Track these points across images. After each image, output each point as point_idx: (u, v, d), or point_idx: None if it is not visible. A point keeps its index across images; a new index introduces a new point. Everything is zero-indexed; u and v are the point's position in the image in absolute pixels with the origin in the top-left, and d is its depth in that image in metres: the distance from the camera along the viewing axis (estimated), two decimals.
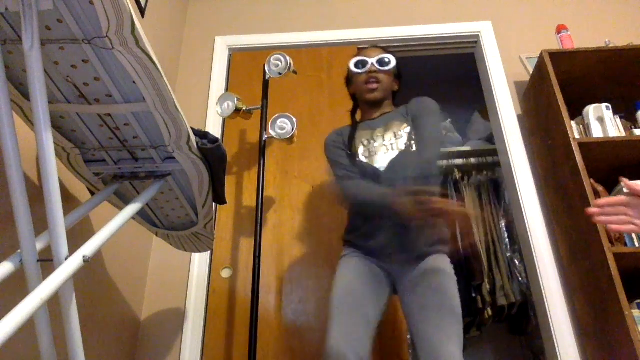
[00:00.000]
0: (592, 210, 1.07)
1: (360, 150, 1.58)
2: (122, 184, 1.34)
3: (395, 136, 1.57)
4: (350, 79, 1.74)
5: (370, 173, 1.52)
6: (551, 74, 2.03)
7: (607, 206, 1.08)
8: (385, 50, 1.70)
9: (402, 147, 1.53)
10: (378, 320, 1.39)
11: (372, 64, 1.63)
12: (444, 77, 3.68)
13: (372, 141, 1.59)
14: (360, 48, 1.73)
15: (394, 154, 1.53)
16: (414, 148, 1.52)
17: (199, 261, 2.15)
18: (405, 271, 1.46)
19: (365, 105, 1.69)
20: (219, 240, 2.17)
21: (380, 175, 1.51)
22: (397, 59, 1.67)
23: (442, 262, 1.44)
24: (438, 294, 1.35)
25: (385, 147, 1.56)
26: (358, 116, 1.76)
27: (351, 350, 1.26)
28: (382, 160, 1.53)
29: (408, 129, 1.57)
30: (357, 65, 1.65)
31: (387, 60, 1.63)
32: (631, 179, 1.85)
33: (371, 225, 1.50)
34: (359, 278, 1.44)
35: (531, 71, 2.29)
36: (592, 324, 1.77)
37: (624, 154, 1.94)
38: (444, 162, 2.97)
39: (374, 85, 1.62)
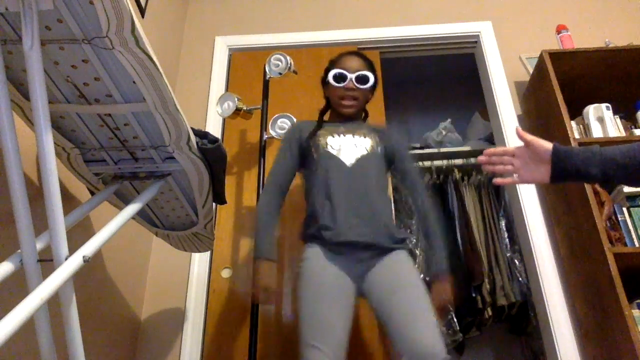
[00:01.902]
0: (480, 158, 1.15)
1: (329, 140, 1.58)
2: (122, 184, 1.34)
3: (363, 136, 1.59)
4: (326, 82, 1.69)
5: (334, 165, 1.52)
6: (551, 74, 2.03)
7: (494, 155, 1.14)
8: (366, 61, 1.66)
9: (368, 149, 1.56)
10: (349, 324, 1.36)
11: (351, 79, 1.60)
12: (444, 77, 3.68)
13: (340, 135, 1.59)
14: (343, 53, 1.69)
15: (360, 152, 1.55)
16: (379, 152, 1.59)
17: (199, 261, 2.15)
18: (369, 264, 1.44)
19: (338, 114, 1.69)
20: (219, 240, 2.17)
21: (346, 170, 1.51)
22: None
23: (405, 257, 1.46)
24: (408, 284, 1.37)
25: (352, 145, 1.56)
26: (326, 116, 1.76)
27: (329, 353, 1.25)
28: (348, 156, 1.54)
29: (374, 140, 1.60)
30: (335, 78, 1.62)
31: (366, 77, 1.61)
32: None
33: (334, 207, 1.46)
34: (326, 286, 1.38)
35: (531, 71, 2.29)
36: (592, 324, 1.77)
37: None
38: (444, 162, 2.97)
39: (350, 102, 1.62)
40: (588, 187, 1.76)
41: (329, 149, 1.56)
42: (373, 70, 1.65)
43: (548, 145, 1.08)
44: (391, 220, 1.55)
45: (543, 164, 1.07)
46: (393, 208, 2.22)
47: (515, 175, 1.12)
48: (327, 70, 1.69)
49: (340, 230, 1.42)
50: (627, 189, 1.82)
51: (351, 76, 1.60)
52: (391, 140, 1.64)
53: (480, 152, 3.40)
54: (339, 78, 1.61)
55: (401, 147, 1.65)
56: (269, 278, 1.41)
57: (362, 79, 1.61)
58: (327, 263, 1.42)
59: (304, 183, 1.67)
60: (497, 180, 1.13)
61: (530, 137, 1.11)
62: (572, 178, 1.04)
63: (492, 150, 1.15)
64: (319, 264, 1.43)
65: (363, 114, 1.76)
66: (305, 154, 1.63)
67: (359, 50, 2.61)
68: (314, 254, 1.45)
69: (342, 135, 1.60)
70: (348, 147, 1.56)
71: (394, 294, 1.34)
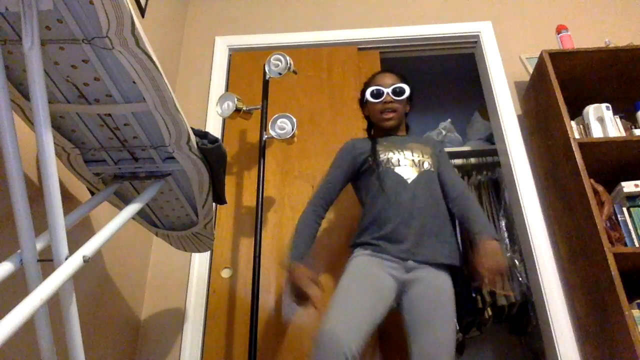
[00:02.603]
0: None
1: (391, 156, 1.66)
2: (122, 184, 1.34)
3: (422, 155, 1.68)
4: (364, 102, 1.82)
5: (395, 182, 1.59)
6: (551, 74, 2.03)
7: None
8: (400, 75, 1.79)
9: (427, 167, 1.66)
10: (376, 324, 1.39)
11: (388, 93, 1.73)
12: (444, 77, 3.68)
13: (402, 152, 1.67)
14: (377, 72, 1.83)
15: (419, 169, 1.64)
16: (434, 170, 1.68)
17: (199, 261, 2.15)
18: (417, 276, 1.48)
19: (381, 129, 1.80)
20: (219, 240, 2.17)
21: (407, 186, 1.58)
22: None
23: (448, 284, 1.51)
24: (443, 317, 1.42)
25: (412, 162, 1.65)
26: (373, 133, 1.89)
27: (345, 338, 1.26)
28: (408, 173, 1.62)
29: (431, 155, 1.70)
30: (372, 94, 1.75)
31: (402, 89, 1.74)
32: (631, 179, 1.86)
33: (392, 220, 1.53)
34: (368, 278, 1.45)
35: (531, 71, 2.29)
36: (592, 324, 1.77)
37: (624, 154, 1.94)
38: None
39: (390, 115, 1.74)
40: (588, 187, 1.76)
41: (391, 165, 1.64)
42: (407, 82, 1.77)
43: None
44: (451, 237, 1.60)
45: None
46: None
47: None
48: (363, 92, 1.83)
49: (402, 247, 1.49)
50: (627, 189, 1.82)
51: (387, 90, 1.73)
52: (437, 149, 1.77)
53: (480, 152, 3.41)
54: (377, 95, 1.74)
55: (444, 156, 1.77)
56: (300, 280, 1.44)
57: (399, 92, 1.74)
58: (376, 261, 1.50)
59: (360, 196, 1.75)
60: None
61: None
62: None
63: None
64: (368, 260, 1.50)
65: (405, 126, 1.88)
66: (362, 169, 1.71)
67: (361, 50, 2.62)
68: (365, 255, 1.53)
69: (402, 152, 1.68)
70: (407, 163, 1.65)
71: (427, 322, 1.40)
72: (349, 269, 1.51)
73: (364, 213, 1.66)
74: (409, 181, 1.59)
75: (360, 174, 1.72)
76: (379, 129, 1.81)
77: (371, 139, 1.79)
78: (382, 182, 1.61)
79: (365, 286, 1.42)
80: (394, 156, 1.66)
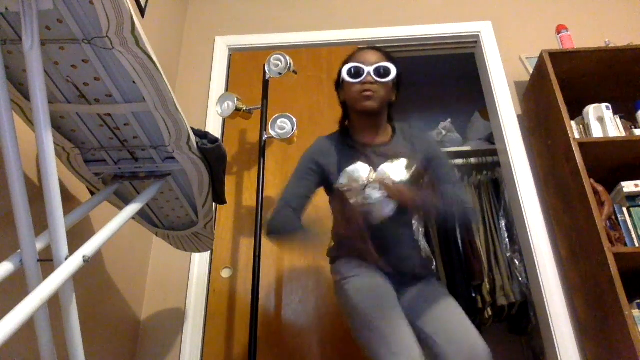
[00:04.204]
0: None
1: (356, 173, 1.38)
2: (122, 184, 1.34)
3: (396, 161, 1.40)
4: (340, 83, 1.49)
5: (363, 220, 1.34)
6: (551, 74, 2.03)
7: None
8: (385, 54, 1.45)
9: (402, 178, 1.38)
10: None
11: (369, 73, 1.38)
12: (444, 77, 3.68)
13: (370, 165, 1.39)
14: (360, 48, 1.48)
15: (388, 205, 1.35)
16: (413, 174, 1.40)
17: (199, 261, 2.15)
18: (403, 289, 1.40)
19: (358, 116, 1.47)
20: (219, 240, 2.17)
21: (373, 220, 1.35)
22: (398, 60, 1.48)
23: (438, 282, 1.46)
24: (445, 296, 1.37)
25: (380, 192, 1.35)
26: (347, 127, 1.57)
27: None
28: (378, 193, 1.35)
29: (408, 163, 1.40)
30: (351, 73, 1.40)
31: (386, 69, 1.39)
32: (631, 179, 1.86)
33: (363, 249, 1.36)
34: (384, 302, 1.27)
35: (531, 71, 2.29)
36: (592, 324, 1.77)
37: (624, 154, 1.94)
38: None
39: (370, 98, 1.39)
40: (588, 187, 1.75)
41: (362, 194, 1.36)
42: (394, 63, 1.42)
43: None
44: (419, 253, 1.53)
45: None
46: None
47: None
48: (340, 71, 1.46)
49: (380, 263, 1.37)
50: (627, 189, 1.82)
51: (369, 69, 1.38)
52: (424, 151, 1.46)
53: (480, 152, 3.40)
54: (355, 74, 1.39)
55: (434, 155, 1.47)
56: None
57: (382, 71, 1.38)
58: (372, 273, 1.35)
59: (331, 207, 1.51)
60: None
61: None
62: None
63: None
64: (366, 277, 1.34)
65: (387, 116, 1.50)
66: (330, 180, 1.44)
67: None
68: (356, 268, 1.36)
69: (373, 173, 1.38)
70: (374, 195, 1.36)
71: (435, 306, 1.33)
72: (354, 293, 1.30)
73: (335, 228, 1.47)
74: (376, 222, 1.35)
75: (328, 182, 1.46)
76: (356, 117, 1.47)
77: (340, 144, 1.48)
78: (344, 213, 1.36)
79: (384, 303, 1.27)
80: (364, 188, 1.36)
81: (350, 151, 1.45)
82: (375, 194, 1.36)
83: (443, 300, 1.35)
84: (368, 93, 1.38)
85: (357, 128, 1.49)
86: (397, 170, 1.38)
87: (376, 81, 1.39)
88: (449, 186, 1.43)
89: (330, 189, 1.46)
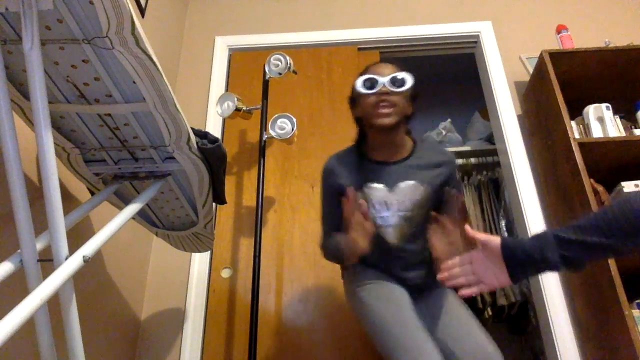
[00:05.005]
0: (441, 276, 1.02)
1: (372, 194, 1.38)
2: (122, 184, 1.34)
3: (414, 181, 1.38)
4: (355, 99, 1.43)
5: (378, 243, 1.36)
6: (551, 74, 2.03)
7: (453, 268, 1.02)
8: (400, 66, 1.41)
9: (417, 200, 1.38)
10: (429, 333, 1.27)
11: (384, 84, 1.33)
12: (444, 77, 3.68)
13: (390, 192, 1.38)
14: (370, 65, 1.44)
15: (407, 208, 1.38)
16: (430, 196, 1.39)
17: (199, 261, 2.15)
18: (418, 297, 1.40)
19: (374, 132, 1.41)
20: (219, 240, 2.17)
21: (388, 245, 1.39)
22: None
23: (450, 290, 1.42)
24: (461, 305, 1.36)
25: (398, 201, 1.37)
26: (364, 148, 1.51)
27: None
28: (393, 217, 1.37)
29: (426, 185, 1.39)
30: (365, 84, 1.36)
31: (402, 79, 1.34)
32: (631, 179, 1.86)
33: (376, 267, 1.42)
34: (401, 308, 1.28)
35: (531, 71, 2.29)
36: (592, 324, 1.77)
37: (624, 154, 1.94)
38: None
39: (387, 110, 1.33)
40: (588, 187, 1.75)
41: (379, 216, 1.38)
42: (410, 74, 1.38)
43: (498, 240, 0.95)
44: (430, 263, 1.43)
45: (502, 263, 0.94)
46: None
47: (482, 285, 0.98)
48: (353, 85, 1.42)
49: (393, 276, 1.40)
50: (627, 189, 1.82)
51: (384, 80, 1.34)
52: (447, 174, 1.43)
53: (480, 152, 3.38)
54: (370, 85, 1.35)
55: (453, 173, 1.45)
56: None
57: (398, 81, 1.34)
58: (387, 281, 1.37)
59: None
60: (464, 292, 0.97)
61: (481, 237, 0.96)
62: (531, 270, 0.92)
63: (449, 263, 1.02)
64: (382, 284, 1.36)
65: (405, 131, 1.45)
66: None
67: (361, 50, 2.62)
68: (371, 275, 1.39)
69: (390, 194, 1.38)
70: (394, 205, 1.38)
71: (447, 312, 1.33)
72: (370, 302, 1.32)
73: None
74: (391, 239, 1.39)
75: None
76: (373, 133, 1.42)
77: (356, 161, 1.45)
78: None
79: (402, 309, 1.28)
80: (377, 194, 1.38)
81: (365, 171, 1.42)
82: (391, 218, 1.37)
83: (456, 309, 1.35)
84: (384, 104, 1.34)
85: (374, 145, 1.44)
86: (414, 189, 1.37)
87: (392, 91, 1.34)
88: None
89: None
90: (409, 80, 1.35)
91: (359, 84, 1.37)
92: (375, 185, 1.38)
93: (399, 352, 1.17)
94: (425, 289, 1.42)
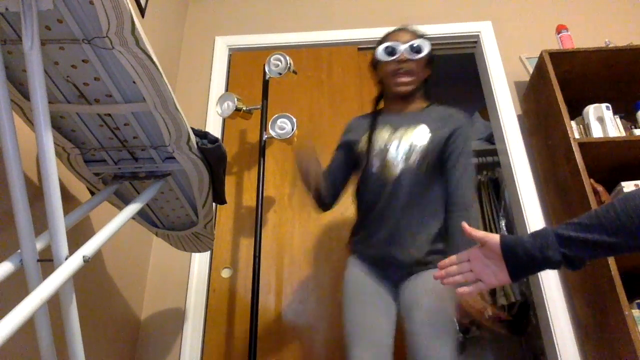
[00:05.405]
0: (438, 274, 1.01)
1: (381, 147, 1.46)
2: (122, 184, 1.34)
3: (422, 131, 1.44)
4: (376, 64, 1.57)
5: (375, 184, 1.45)
6: (551, 74, 2.03)
7: (450, 266, 1.00)
8: (417, 33, 1.53)
9: (422, 149, 1.42)
10: (391, 337, 1.34)
11: (403, 51, 1.46)
12: (444, 77, 3.68)
13: (395, 133, 1.46)
14: (390, 32, 1.55)
15: (413, 157, 1.42)
16: (437, 149, 1.42)
17: (199, 261, 2.15)
18: (404, 279, 1.41)
19: (393, 96, 1.55)
20: (219, 240, 2.17)
21: (386, 190, 1.43)
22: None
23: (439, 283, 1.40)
24: (440, 317, 1.29)
25: (406, 147, 1.43)
26: (381, 104, 1.65)
27: None
28: (394, 169, 1.43)
29: (434, 134, 1.43)
30: (385, 51, 1.48)
31: (420, 45, 1.47)
32: (631, 179, 1.86)
33: (372, 220, 1.45)
34: (363, 299, 1.38)
35: (531, 71, 2.29)
36: (592, 324, 1.77)
37: (624, 154, 1.94)
38: None
39: (405, 79, 1.48)
40: (588, 187, 1.75)
41: (373, 166, 1.46)
42: (428, 40, 1.50)
43: (498, 238, 0.94)
44: (429, 237, 1.40)
45: (502, 261, 0.92)
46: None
47: (480, 284, 0.96)
48: (374, 51, 1.54)
49: (372, 244, 1.44)
50: (627, 189, 1.82)
51: (403, 48, 1.47)
52: (456, 130, 1.46)
53: (480, 152, 3.38)
54: (390, 52, 1.48)
55: (458, 145, 1.44)
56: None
57: (417, 49, 1.47)
58: (364, 271, 1.45)
59: (354, 190, 1.59)
60: (463, 290, 0.97)
61: (479, 234, 0.95)
62: (532, 269, 0.89)
63: (446, 261, 1.01)
64: (356, 271, 1.45)
65: (423, 94, 1.58)
66: (358, 157, 1.52)
67: (361, 50, 2.61)
68: (354, 263, 1.49)
69: (396, 132, 1.46)
70: (400, 150, 1.43)
71: (417, 311, 1.30)
72: (344, 286, 1.45)
73: (356, 201, 1.57)
74: (389, 184, 1.42)
75: (357, 161, 1.54)
76: (391, 98, 1.55)
77: (371, 116, 1.57)
78: (365, 183, 1.48)
79: (363, 300, 1.37)
80: (384, 147, 1.45)
81: (376, 122, 1.53)
82: (393, 152, 1.44)
83: (428, 309, 1.30)
84: (404, 78, 1.48)
85: (391, 104, 1.58)
86: (418, 135, 1.45)
87: (410, 59, 1.47)
88: (454, 179, 1.41)
89: (360, 164, 1.54)
90: (426, 46, 1.49)
91: (379, 50, 1.50)
92: (382, 128, 1.50)
93: (351, 335, 1.32)
94: (412, 272, 1.40)
